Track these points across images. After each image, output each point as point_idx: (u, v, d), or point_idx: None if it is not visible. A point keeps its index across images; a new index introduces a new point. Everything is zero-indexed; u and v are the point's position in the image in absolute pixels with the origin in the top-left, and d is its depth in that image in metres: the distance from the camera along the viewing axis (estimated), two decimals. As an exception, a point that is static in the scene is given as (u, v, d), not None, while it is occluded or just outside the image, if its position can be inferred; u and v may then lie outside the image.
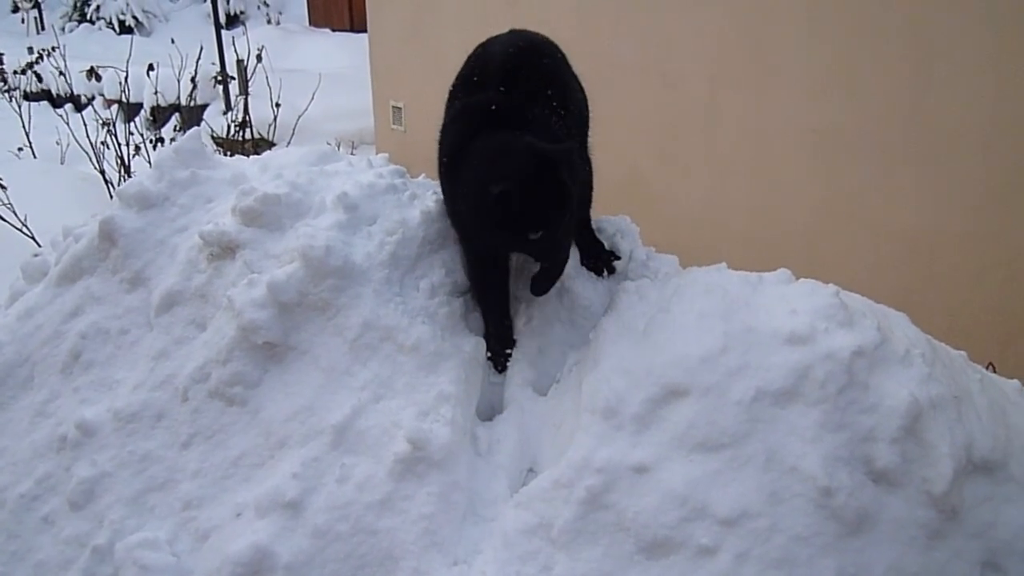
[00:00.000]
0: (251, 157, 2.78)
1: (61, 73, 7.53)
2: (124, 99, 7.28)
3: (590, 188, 2.17)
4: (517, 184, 1.79)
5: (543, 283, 2.04)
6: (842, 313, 1.83)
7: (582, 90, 2.18)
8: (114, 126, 6.84)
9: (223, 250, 2.23)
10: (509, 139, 1.89)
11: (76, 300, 2.45)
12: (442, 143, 2.08)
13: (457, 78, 2.14)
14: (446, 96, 2.17)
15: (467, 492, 1.86)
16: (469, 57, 2.15)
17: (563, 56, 2.18)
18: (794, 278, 2.00)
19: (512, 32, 2.20)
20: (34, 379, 2.43)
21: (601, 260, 2.18)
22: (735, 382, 1.76)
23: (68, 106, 11.73)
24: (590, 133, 2.20)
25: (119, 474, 2.11)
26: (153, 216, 2.41)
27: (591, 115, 2.20)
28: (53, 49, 7.43)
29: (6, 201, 6.00)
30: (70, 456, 2.19)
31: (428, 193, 2.28)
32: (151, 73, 7.70)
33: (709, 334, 1.82)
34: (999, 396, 2.00)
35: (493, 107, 1.97)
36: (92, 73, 6.95)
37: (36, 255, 3.00)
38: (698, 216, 4.56)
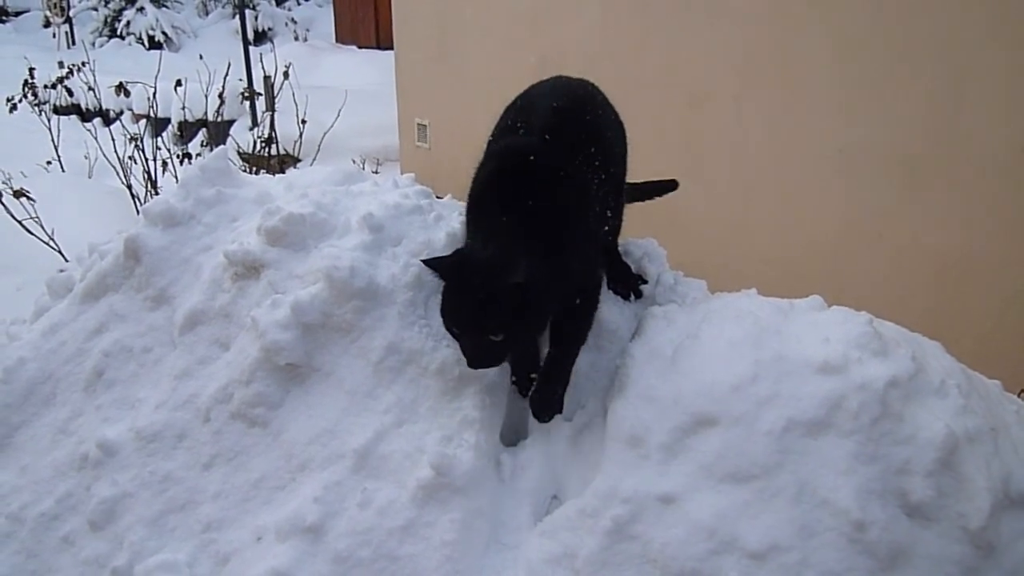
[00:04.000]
0: (276, 176, 2.77)
1: (90, 88, 7.59)
2: (152, 114, 7.32)
3: (620, 219, 2.14)
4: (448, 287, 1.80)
5: (536, 403, 1.95)
6: (876, 342, 1.79)
7: (623, 134, 2.14)
8: (142, 141, 6.88)
9: (247, 270, 2.22)
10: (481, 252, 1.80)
11: (100, 317, 2.45)
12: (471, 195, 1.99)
13: (497, 128, 2.08)
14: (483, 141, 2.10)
15: (490, 519, 1.83)
16: (509, 106, 2.08)
17: (607, 105, 2.11)
18: (826, 305, 1.96)
19: (555, 83, 2.13)
20: (57, 396, 2.42)
21: (628, 284, 2.15)
22: (766, 412, 1.72)
23: (97, 120, 11.85)
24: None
25: (140, 494, 2.09)
26: (178, 234, 2.41)
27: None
28: (83, 64, 7.50)
29: (33, 214, 6.05)
30: (91, 475, 2.18)
31: (454, 214, 2.25)
32: (179, 89, 7.75)
33: (739, 362, 1.79)
34: (1036, 427, 1.94)
35: (524, 168, 1.86)
36: (121, 88, 6.98)
37: (61, 271, 3.00)
38: (723, 236, 4.52)
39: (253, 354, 2.07)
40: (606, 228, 2.10)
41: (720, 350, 1.82)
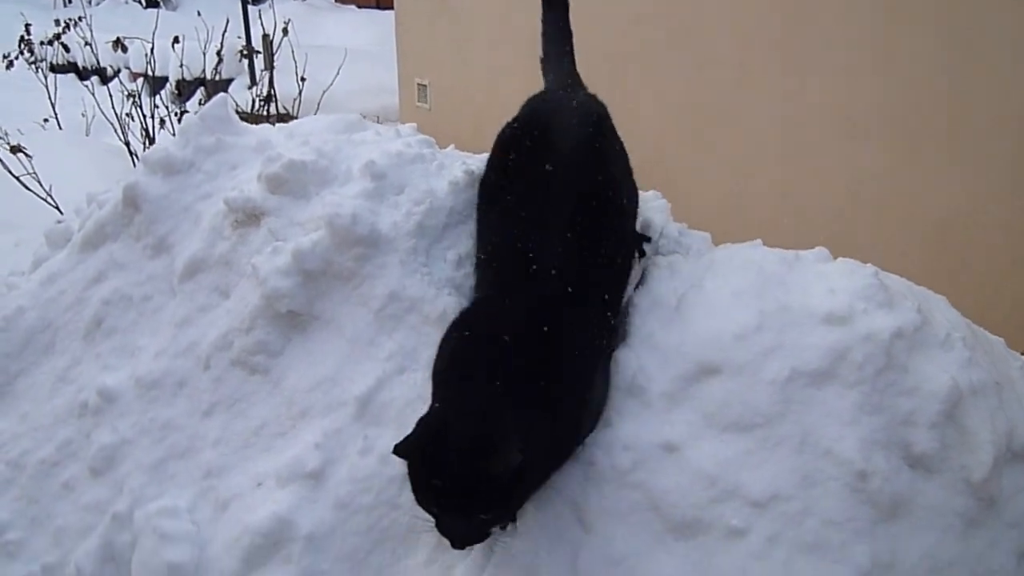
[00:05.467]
0: (277, 125, 2.74)
1: (87, 43, 7.51)
2: (151, 72, 7.26)
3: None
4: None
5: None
6: (882, 294, 1.78)
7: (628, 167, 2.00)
8: (139, 99, 6.84)
9: (248, 217, 2.20)
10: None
11: (99, 266, 2.44)
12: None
13: (489, 168, 1.96)
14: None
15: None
16: (502, 139, 1.97)
17: (614, 142, 1.98)
18: (832, 257, 1.94)
19: (563, 139, 1.91)
20: (56, 345, 2.42)
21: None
22: (769, 361, 1.71)
23: (94, 78, 11.73)
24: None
25: (140, 441, 2.09)
26: (178, 182, 2.39)
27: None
28: (79, 19, 7.42)
29: (31, 170, 6.01)
30: (91, 422, 2.18)
31: (456, 164, 2.23)
32: (176, 46, 7.68)
33: (743, 312, 1.77)
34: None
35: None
36: (118, 44, 6.92)
37: (59, 222, 2.98)
38: (726, 200, 4.49)
39: (254, 301, 2.05)
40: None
41: (724, 299, 1.81)
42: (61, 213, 6.00)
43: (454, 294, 2.00)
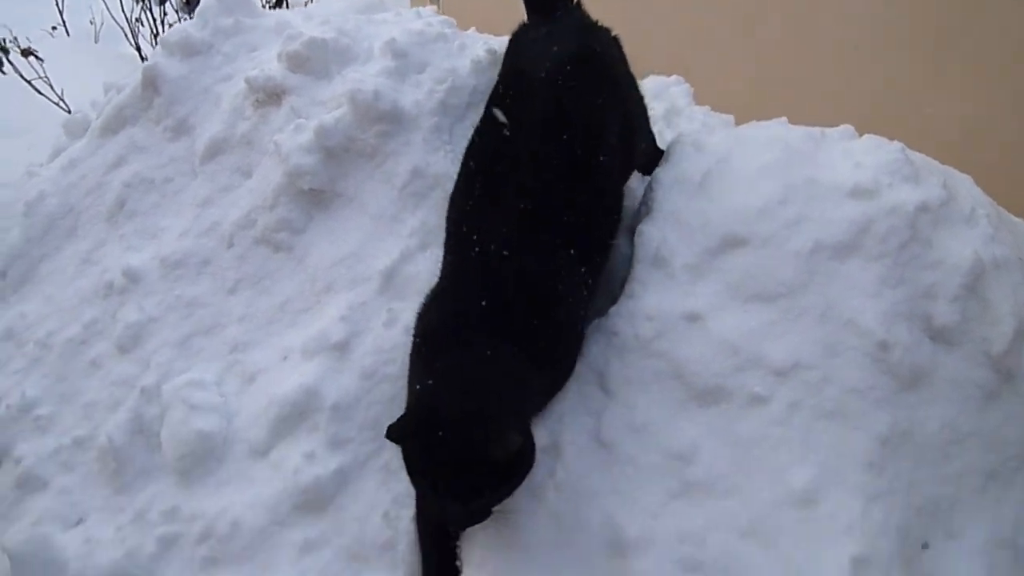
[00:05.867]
0: (295, 8, 2.70)
1: (95, -56, 7.36)
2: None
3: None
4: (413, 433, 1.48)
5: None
6: (908, 168, 1.77)
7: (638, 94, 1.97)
8: (149, 3, 6.74)
9: (269, 96, 2.18)
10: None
11: (119, 150, 2.43)
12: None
13: (478, 135, 1.87)
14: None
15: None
16: (495, 92, 1.91)
17: (621, 71, 1.94)
18: (857, 134, 1.93)
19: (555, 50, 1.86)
20: (78, 229, 2.43)
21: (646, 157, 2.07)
22: (794, 234, 1.71)
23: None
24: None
25: (166, 319, 2.11)
26: (197, 64, 2.37)
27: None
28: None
29: (42, 74, 5.95)
30: (116, 302, 2.20)
31: (478, 44, 2.20)
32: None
33: (769, 185, 1.77)
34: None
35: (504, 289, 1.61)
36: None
37: (76, 112, 2.97)
38: (739, 112, 4.42)
39: (276, 179, 2.06)
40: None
41: (749, 174, 1.80)
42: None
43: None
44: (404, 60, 2.10)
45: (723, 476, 1.61)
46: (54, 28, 7.68)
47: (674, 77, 2.24)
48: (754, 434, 1.63)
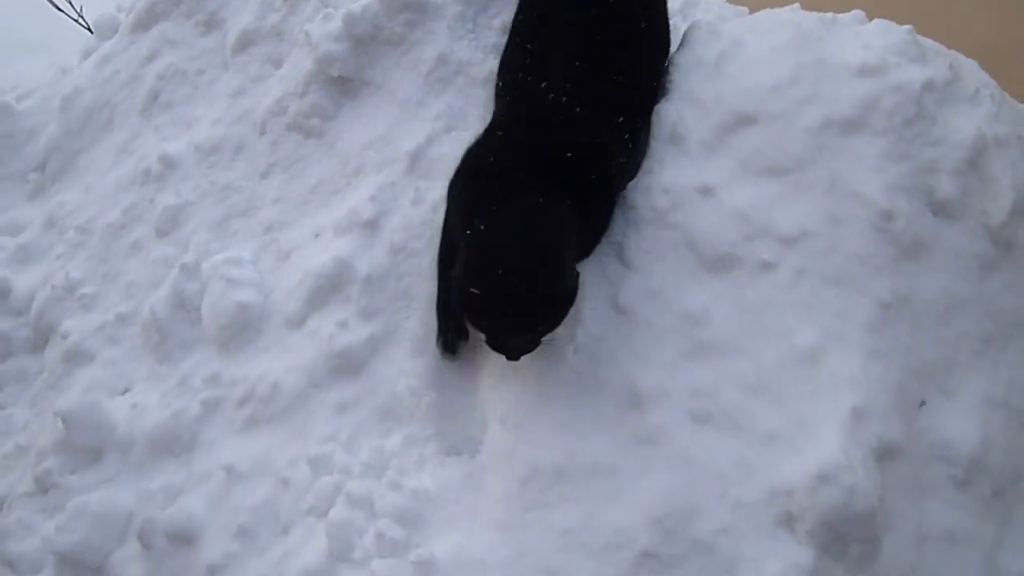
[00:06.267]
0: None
1: None
2: None
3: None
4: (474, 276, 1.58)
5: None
6: (915, 49, 1.84)
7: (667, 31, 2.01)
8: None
9: (298, -12, 2.26)
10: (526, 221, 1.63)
11: (152, 45, 2.52)
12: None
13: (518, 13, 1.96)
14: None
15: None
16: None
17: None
18: (867, 19, 1.99)
19: None
20: (114, 121, 2.52)
21: None
22: (804, 110, 1.79)
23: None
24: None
25: (202, 203, 2.21)
26: (227, -41, 2.44)
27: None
28: None
29: (60, -11, 5.96)
30: (154, 188, 2.30)
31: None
32: None
33: (781, 65, 1.84)
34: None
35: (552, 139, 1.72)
36: None
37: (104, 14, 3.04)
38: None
39: (307, 67, 2.14)
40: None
41: (762, 55, 1.88)
42: (92, 33, 5.99)
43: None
44: (430, -52, 2.16)
45: (733, 337, 1.71)
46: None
47: (691, -29, 2.29)
48: (762, 298, 1.73)
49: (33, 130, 2.68)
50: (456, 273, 1.60)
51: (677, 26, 2.29)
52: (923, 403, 1.71)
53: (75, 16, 6.05)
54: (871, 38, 1.88)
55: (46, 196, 2.54)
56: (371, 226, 1.96)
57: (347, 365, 1.86)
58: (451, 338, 1.84)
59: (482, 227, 1.62)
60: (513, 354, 1.65)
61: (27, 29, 6.08)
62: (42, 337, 2.25)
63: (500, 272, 1.55)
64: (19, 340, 2.29)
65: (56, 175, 2.55)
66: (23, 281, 2.35)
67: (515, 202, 1.63)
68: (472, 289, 1.56)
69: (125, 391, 2.07)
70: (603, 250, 1.83)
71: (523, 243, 1.59)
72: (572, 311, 1.65)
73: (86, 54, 2.95)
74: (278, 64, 2.26)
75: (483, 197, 1.68)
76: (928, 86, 1.79)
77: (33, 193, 2.59)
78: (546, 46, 1.85)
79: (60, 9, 6.07)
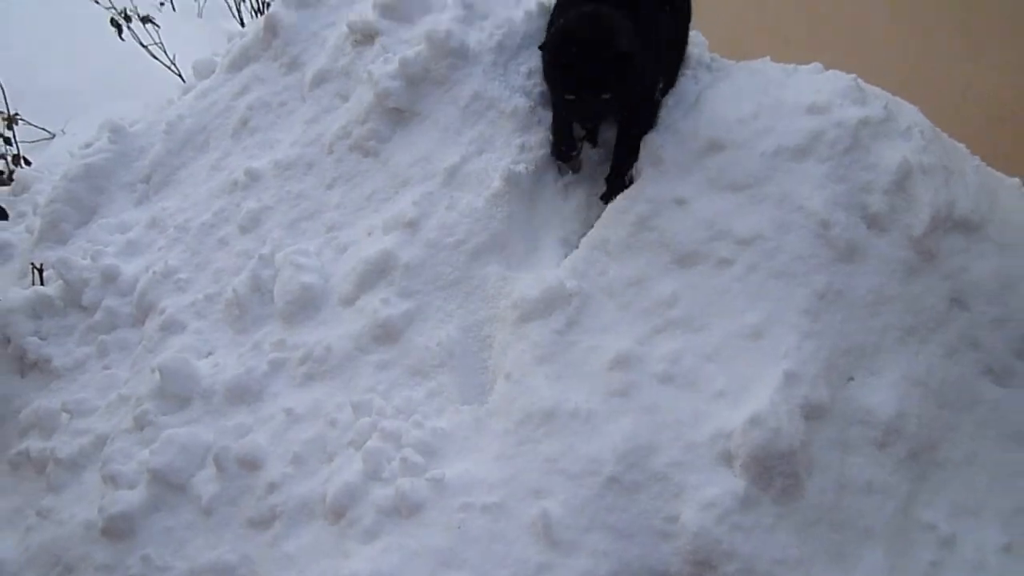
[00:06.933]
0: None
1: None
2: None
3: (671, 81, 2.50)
4: (558, 45, 2.21)
5: (607, 191, 2.39)
6: (857, 93, 2.26)
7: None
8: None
9: (364, 37, 2.77)
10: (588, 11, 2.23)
11: (244, 81, 3.05)
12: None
13: None
14: None
15: (544, 212, 2.40)
16: None
17: None
18: (825, 70, 2.42)
19: None
20: (210, 143, 3.05)
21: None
22: (762, 139, 2.23)
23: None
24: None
25: (278, 207, 2.70)
26: (307, 14, 2.98)
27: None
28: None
29: (157, 40, 6.65)
30: (240, 195, 2.80)
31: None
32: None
33: (746, 103, 2.28)
34: (993, 181, 2.41)
35: None
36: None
37: (212, 56, 3.61)
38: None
39: (368, 100, 2.63)
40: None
41: (732, 95, 2.32)
42: (183, 79, 6.68)
43: (524, 97, 2.54)
44: (471, 9, 2.66)
45: (694, 317, 2.13)
46: (162, 4, 8.46)
47: (694, 32, 2.73)
48: (720, 287, 2.14)
49: (142, 149, 3.22)
50: (543, 52, 2.29)
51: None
52: (851, 379, 2.09)
53: (168, 63, 6.71)
54: (822, 84, 2.32)
55: (150, 203, 3.06)
56: (412, 225, 2.43)
57: (387, 334, 2.31)
58: (563, 148, 2.45)
59: (561, 21, 2.28)
60: (588, 119, 2.38)
61: (125, 75, 6.78)
62: (143, 313, 2.74)
63: (570, 44, 2.16)
64: (123, 315, 2.78)
65: (159, 186, 3.08)
66: (129, 268, 2.85)
67: (582, 8, 2.23)
68: (553, 59, 2.25)
69: (209, 354, 2.53)
70: (597, 245, 2.27)
71: (586, 24, 2.19)
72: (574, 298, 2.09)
73: (186, 90, 3.50)
74: (345, 98, 2.76)
75: (563, 6, 2.40)
76: (864, 123, 2.21)
77: (139, 200, 3.12)
78: None
79: (155, 57, 6.75)
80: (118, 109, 4.61)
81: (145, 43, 6.62)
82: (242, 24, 7.26)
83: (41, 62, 6.41)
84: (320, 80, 2.83)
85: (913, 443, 2.08)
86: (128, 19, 6.33)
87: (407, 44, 2.69)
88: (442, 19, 2.64)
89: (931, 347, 2.17)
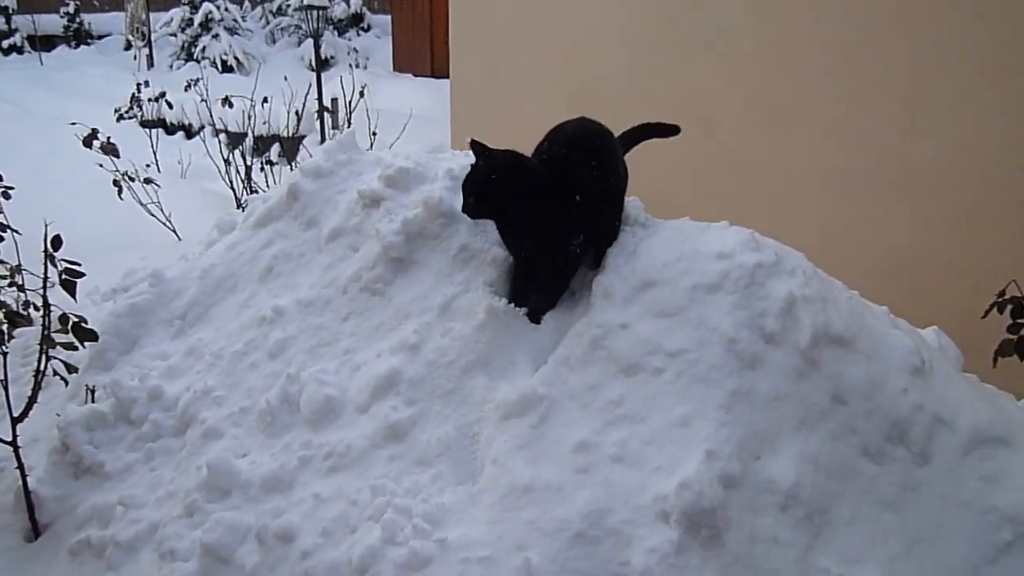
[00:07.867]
0: (383, 150, 4.04)
1: (204, 100, 8.97)
2: (247, 129, 8.72)
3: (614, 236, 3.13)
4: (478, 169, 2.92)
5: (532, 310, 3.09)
6: (753, 243, 3.00)
7: (624, 168, 3.13)
8: (232, 150, 8.30)
9: (372, 202, 3.48)
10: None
11: (269, 236, 3.72)
12: None
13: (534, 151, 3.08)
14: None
15: (519, 337, 3.06)
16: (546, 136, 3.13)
17: (613, 142, 3.12)
18: (730, 227, 3.17)
19: (579, 120, 3.11)
20: (238, 286, 3.69)
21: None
22: (683, 278, 2.92)
23: (180, 133, 13.36)
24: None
25: (301, 337, 3.33)
26: (323, 183, 3.70)
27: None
28: (197, 81, 8.93)
29: (155, 199, 7.39)
30: (267, 328, 3.42)
31: (505, 173, 3.48)
32: (265, 105, 9.13)
33: (671, 251, 3.00)
34: (862, 308, 3.14)
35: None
36: (227, 101, 8.39)
37: (227, 215, 4.29)
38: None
39: (375, 251, 3.31)
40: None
41: (660, 246, 3.04)
42: (178, 236, 7.39)
43: (501, 248, 3.23)
44: (457, 181, 3.38)
45: (638, 412, 2.77)
46: (148, 165, 9.29)
47: (633, 198, 3.48)
48: (656, 390, 2.80)
49: (177, 291, 3.84)
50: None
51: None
52: (758, 457, 2.73)
53: (163, 220, 7.42)
54: (728, 236, 3.05)
55: (186, 335, 3.67)
56: (414, 349, 3.06)
57: (395, 433, 2.91)
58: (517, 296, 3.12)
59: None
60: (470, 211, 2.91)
61: (124, 231, 7.46)
62: (184, 424, 3.30)
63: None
64: (167, 427, 3.34)
65: (194, 322, 3.69)
66: (172, 388, 3.42)
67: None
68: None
69: (244, 455, 3.10)
70: (561, 361, 2.93)
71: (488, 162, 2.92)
72: (537, 403, 2.74)
73: (209, 244, 4.17)
74: (356, 249, 3.44)
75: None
76: (759, 265, 2.94)
77: (176, 333, 3.72)
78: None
79: (152, 215, 7.47)
80: (113, 263, 5.20)
81: (144, 202, 7.32)
82: (230, 185, 8.04)
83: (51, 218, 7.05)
84: (335, 235, 3.52)
85: (808, 507, 2.68)
86: (131, 179, 7.04)
87: (406, 207, 3.40)
88: (435, 188, 3.37)
89: (819, 433, 2.81)
